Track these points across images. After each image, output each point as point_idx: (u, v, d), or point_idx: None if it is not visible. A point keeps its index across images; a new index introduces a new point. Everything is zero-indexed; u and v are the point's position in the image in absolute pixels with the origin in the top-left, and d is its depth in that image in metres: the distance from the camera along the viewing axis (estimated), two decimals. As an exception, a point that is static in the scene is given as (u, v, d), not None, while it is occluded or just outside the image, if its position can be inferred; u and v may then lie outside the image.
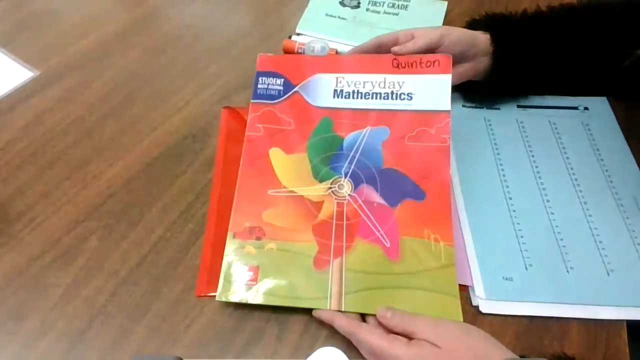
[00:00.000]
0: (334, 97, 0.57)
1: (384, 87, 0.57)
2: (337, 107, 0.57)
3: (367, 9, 0.81)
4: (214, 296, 0.49)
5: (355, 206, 0.51)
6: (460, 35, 0.58)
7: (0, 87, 0.69)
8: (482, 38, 0.60)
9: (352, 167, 0.53)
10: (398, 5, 0.82)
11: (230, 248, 0.50)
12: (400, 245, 0.49)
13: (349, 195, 0.52)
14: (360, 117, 0.56)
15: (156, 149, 0.63)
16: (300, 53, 0.73)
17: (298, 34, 0.77)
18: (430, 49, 0.57)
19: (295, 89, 0.57)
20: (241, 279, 0.48)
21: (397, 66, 0.57)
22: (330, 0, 0.82)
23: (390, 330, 0.43)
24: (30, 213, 0.56)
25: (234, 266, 0.49)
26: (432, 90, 0.56)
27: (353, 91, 0.57)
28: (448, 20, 0.78)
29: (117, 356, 0.46)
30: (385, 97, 0.56)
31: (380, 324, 0.45)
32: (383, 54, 0.58)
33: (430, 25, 0.78)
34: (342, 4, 0.82)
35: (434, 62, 0.56)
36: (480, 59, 0.60)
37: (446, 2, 0.82)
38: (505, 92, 0.64)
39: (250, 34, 0.79)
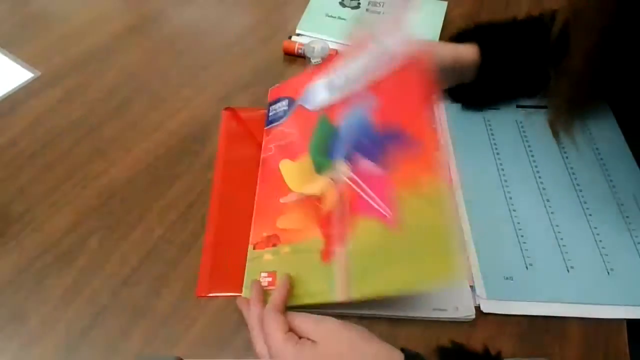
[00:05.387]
0: (329, 94, 0.57)
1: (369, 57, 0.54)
2: (332, 101, 0.56)
3: (367, 9, 0.81)
4: (215, 296, 0.50)
5: (353, 186, 0.50)
6: (436, 64, 0.58)
7: (1, 88, 0.69)
8: (464, 51, 0.60)
9: (348, 148, 0.52)
10: (398, 5, 0.82)
11: (251, 259, 0.52)
12: (398, 208, 0.46)
13: (347, 177, 0.50)
14: (351, 100, 0.55)
15: (156, 150, 0.63)
16: (301, 53, 0.73)
17: (298, 34, 0.77)
18: None
19: (297, 102, 0.60)
20: (262, 285, 0.49)
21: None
22: (330, 0, 0.82)
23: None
24: (31, 213, 0.56)
25: (255, 275, 0.50)
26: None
27: (345, 81, 0.56)
28: (448, 21, 0.78)
29: (117, 356, 0.46)
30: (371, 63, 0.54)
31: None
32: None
33: (430, 26, 0.79)
34: (342, 4, 0.82)
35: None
36: (465, 69, 0.60)
37: (446, 2, 0.82)
38: (491, 97, 0.65)
39: (250, 34, 0.79)
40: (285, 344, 0.41)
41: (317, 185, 0.52)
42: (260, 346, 0.43)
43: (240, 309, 0.47)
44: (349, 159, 0.51)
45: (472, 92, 0.63)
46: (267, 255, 0.51)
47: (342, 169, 0.51)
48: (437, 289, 0.47)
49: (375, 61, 0.53)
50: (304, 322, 0.43)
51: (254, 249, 0.52)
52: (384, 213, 0.46)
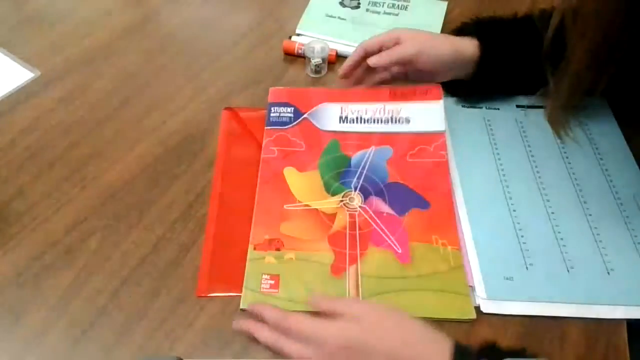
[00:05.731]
0: (339, 122, 0.62)
1: (384, 114, 0.62)
2: (343, 130, 0.62)
3: (367, 10, 0.81)
4: (215, 296, 0.50)
5: (366, 216, 0.55)
6: (435, 56, 0.60)
7: (1, 88, 0.69)
8: (464, 45, 0.60)
9: (361, 181, 0.57)
10: (398, 5, 0.82)
11: (252, 259, 0.52)
12: (410, 250, 0.52)
13: (360, 207, 0.56)
14: (365, 138, 0.61)
15: (156, 150, 0.63)
16: (301, 53, 0.73)
17: (298, 35, 0.77)
18: (403, 63, 0.61)
19: (305, 115, 0.63)
20: (264, 287, 0.50)
21: (394, 96, 0.63)
22: (330, 0, 0.82)
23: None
24: (31, 213, 0.56)
25: (256, 276, 0.51)
26: (427, 114, 0.61)
27: (356, 117, 0.62)
28: (448, 20, 0.78)
29: (117, 356, 0.46)
30: (386, 122, 0.62)
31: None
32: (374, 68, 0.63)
33: (429, 26, 0.78)
34: (342, 4, 0.82)
35: (426, 91, 0.62)
36: (465, 64, 0.61)
37: (446, 2, 0.82)
38: (489, 92, 0.65)
39: (250, 34, 0.79)
40: (323, 323, 0.41)
41: (328, 204, 0.56)
42: (292, 348, 0.41)
43: (247, 329, 0.45)
44: (362, 192, 0.56)
45: (470, 86, 0.63)
46: (270, 258, 0.52)
47: (355, 199, 0.56)
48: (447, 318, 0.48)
49: (392, 125, 0.61)
50: (346, 303, 0.44)
51: (254, 249, 0.52)
52: (396, 249, 0.52)
